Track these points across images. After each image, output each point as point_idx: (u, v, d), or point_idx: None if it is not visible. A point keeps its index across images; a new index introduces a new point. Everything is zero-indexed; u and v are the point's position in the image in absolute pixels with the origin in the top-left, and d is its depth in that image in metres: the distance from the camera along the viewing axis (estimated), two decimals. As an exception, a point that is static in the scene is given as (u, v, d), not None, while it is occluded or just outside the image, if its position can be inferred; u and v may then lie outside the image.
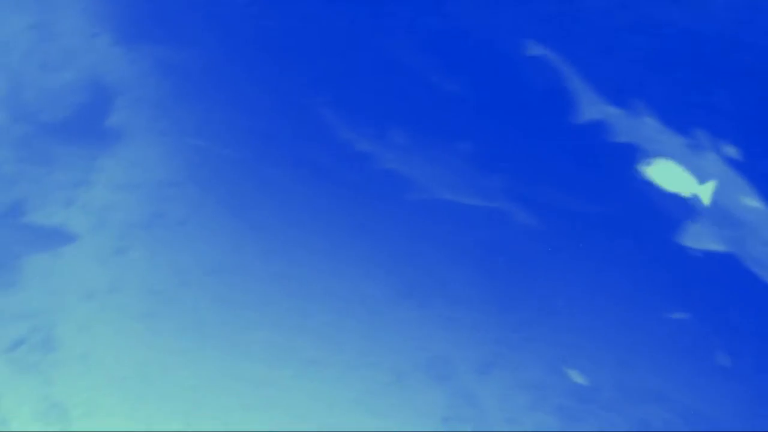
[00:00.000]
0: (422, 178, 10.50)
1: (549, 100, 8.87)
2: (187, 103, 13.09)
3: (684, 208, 7.38)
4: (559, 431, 10.55)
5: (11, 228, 11.65)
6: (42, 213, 12.02)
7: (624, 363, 10.90)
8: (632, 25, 9.83)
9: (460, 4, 11.27)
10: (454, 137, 10.71)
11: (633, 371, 10.81)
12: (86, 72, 13.11)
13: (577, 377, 10.47)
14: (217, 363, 10.89)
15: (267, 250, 12.06)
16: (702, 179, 7.22)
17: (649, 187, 7.63)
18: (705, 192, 7.08)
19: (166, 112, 13.06)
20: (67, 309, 11.37)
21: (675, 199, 7.41)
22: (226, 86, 12.97)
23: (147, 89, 13.26)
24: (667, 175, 7.41)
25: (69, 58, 13.22)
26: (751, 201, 7.02)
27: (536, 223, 10.48)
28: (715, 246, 7.23)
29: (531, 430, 10.54)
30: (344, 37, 12.49)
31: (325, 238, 12.13)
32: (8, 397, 10.60)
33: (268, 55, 12.80)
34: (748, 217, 7.08)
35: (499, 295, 11.61)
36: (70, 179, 12.44)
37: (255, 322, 11.29)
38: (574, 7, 10.14)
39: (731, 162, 7.43)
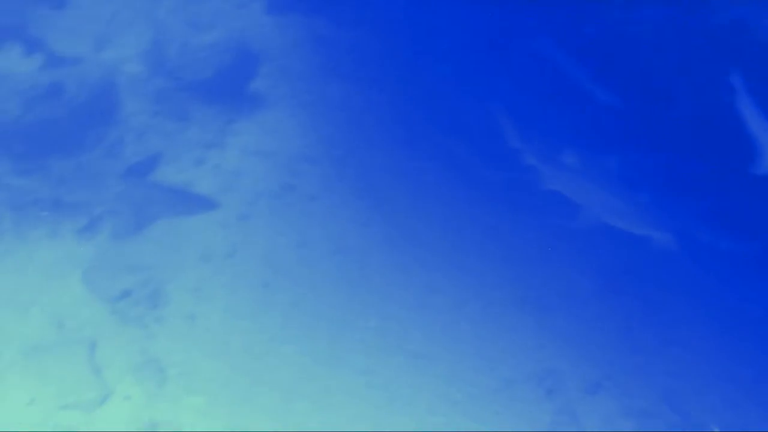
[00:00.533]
0: (570, 193, 9.74)
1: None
2: (333, 79, 12.57)
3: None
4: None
5: (139, 180, 11.40)
6: (171, 169, 11.69)
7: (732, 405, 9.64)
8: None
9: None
10: (606, 152, 9.89)
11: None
12: (233, 35, 12.79)
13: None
14: (323, 344, 10.11)
15: (393, 238, 11.15)
16: None
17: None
18: None
19: (309, 86, 12.54)
20: (182, 267, 10.82)
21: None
22: (376, 69, 12.37)
23: (293, 60, 12.80)
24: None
25: (217, 19, 12.96)
26: None
27: (676, 250, 9.44)
28: None
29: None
30: (498, 38, 11.93)
31: (455, 235, 11.18)
32: (106, 346, 10.10)
33: (423, 47, 12.14)
34: None
35: (620, 317, 10.46)
36: (204, 139, 12.03)
37: (369, 308, 10.42)
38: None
39: None
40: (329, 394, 9.72)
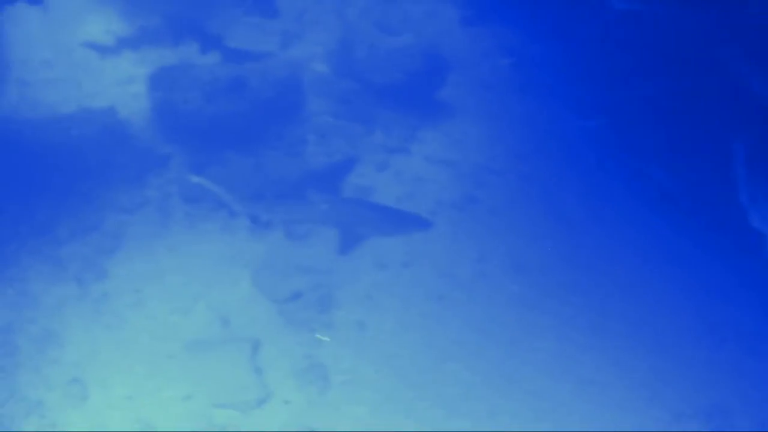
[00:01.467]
0: None
1: None
2: (522, 94, 12.04)
3: None
4: None
5: (319, 183, 10.87)
6: (353, 173, 11.28)
7: None
8: None
9: None
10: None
11: None
12: (423, 41, 12.33)
13: None
14: (493, 364, 9.56)
15: (574, 260, 10.48)
16: None
17: None
18: None
19: (498, 97, 12.03)
20: (355, 273, 10.37)
21: None
22: (568, 86, 11.50)
23: (483, 71, 12.33)
24: None
25: (408, 24, 12.60)
26: None
27: None
28: None
29: None
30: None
31: (636, 261, 10.48)
32: (270, 347, 9.70)
33: (623, 65, 10.87)
34: None
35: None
36: (388, 145, 11.62)
37: (544, 330, 9.83)
38: None
39: None
40: (493, 416, 9.11)
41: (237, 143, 11.32)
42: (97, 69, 12.51)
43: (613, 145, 11.05)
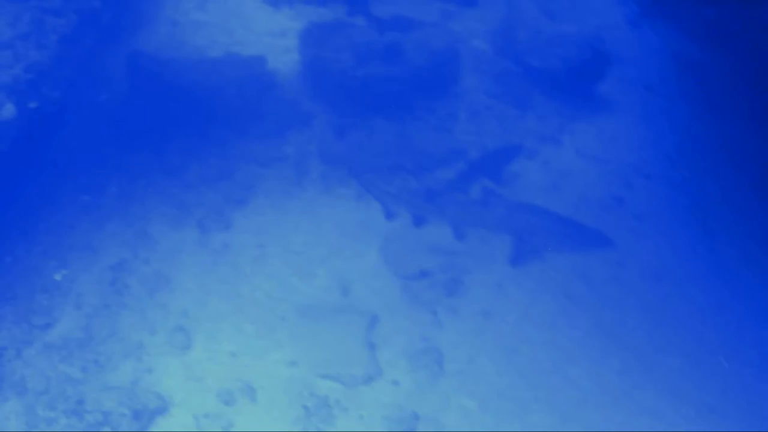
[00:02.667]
0: None
1: None
2: (683, 98, 10.90)
3: None
4: None
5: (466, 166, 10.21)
6: (501, 156, 10.42)
7: None
8: None
9: None
10: None
11: None
12: (588, 32, 11.33)
13: None
14: (615, 374, 8.71)
15: (716, 273, 9.49)
16: None
17: None
18: None
19: (657, 99, 11.12)
20: (488, 261, 9.57)
21: None
22: (735, 97, 10.11)
23: (644, 70, 11.40)
24: None
25: (574, 13, 11.74)
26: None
27: None
28: None
29: None
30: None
31: None
32: (388, 324, 8.98)
33: None
34: None
35: None
36: (540, 132, 10.76)
37: (673, 345, 8.92)
38: None
39: None
40: (606, 427, 8.26)
41: (384, 110, 10.58)
42: (250, 17, 11.94)
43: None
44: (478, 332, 8.91)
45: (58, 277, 9.09)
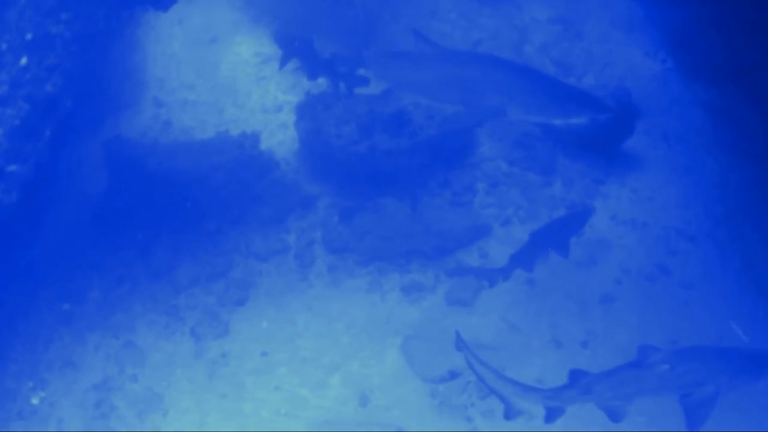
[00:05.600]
0: None
1: None
2: (720, 149, 9.30)
3: None
4: None
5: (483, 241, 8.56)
6: (526, 228, 8.42)
7: None
8: None
9: None
10: None
11: None
12: (608, 82, 9.64)
13: None
14: None
15: None
16: None
17: None
18: None
19: (690, 150, 9.33)
20: (527, 352, 7.89)
21: None
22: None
23: (673, 120, 9.60)
24: None
25: (591, 64, 10.01)
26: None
27: None
28: None
29: None
30: None
31: None
32: None
33: None
34: None
35: None
36: (569, 198, 8.98)
37: None
38: None
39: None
40: None
41: (394, 187, 8.81)
42: (242, 93, 10.20)
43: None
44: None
45: (35, 400, 7.75)
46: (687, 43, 10.00)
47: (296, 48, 8.38)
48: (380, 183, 8.81)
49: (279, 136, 9.56)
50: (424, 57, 6.99)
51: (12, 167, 6.75)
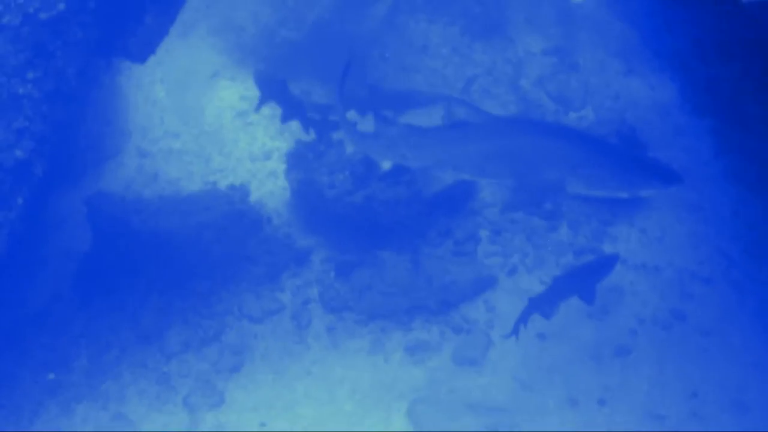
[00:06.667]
0: None
1: None
2: (730, 183, 8.78)
3: None
4: None
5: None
6: (532, 277, 8.10)
7: None
8: None
9: None
10: None
11: None
12: (609, 117, 9.17)
13: None
14: None
15: None
16: None
17: None
18: None
19: (699, 186, 8.71)
20: (542, 411, 7.34)
21: None
22: None
23: (679, 154, 8.95)
24: None
25: (590, 97, 9.45)
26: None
27: None
28: None
29: None
30: None
31: None
32: None
33: None
34: None
35: None
36: (576, 243, 8.41)
37: None
38: None
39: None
40: None
41: (393, 239, 8.21)
42: (228, 140, 9.56)
43: None
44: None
45: (18, 485, 6.81)
46: (686, 68, 9.45)
47: (273, 90, 7.78)
48: (378, 235, 8.20)
49: (269, 185, 8.92)
50: (466, 128, 6.17)
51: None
